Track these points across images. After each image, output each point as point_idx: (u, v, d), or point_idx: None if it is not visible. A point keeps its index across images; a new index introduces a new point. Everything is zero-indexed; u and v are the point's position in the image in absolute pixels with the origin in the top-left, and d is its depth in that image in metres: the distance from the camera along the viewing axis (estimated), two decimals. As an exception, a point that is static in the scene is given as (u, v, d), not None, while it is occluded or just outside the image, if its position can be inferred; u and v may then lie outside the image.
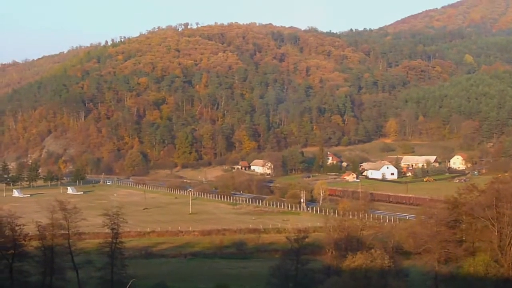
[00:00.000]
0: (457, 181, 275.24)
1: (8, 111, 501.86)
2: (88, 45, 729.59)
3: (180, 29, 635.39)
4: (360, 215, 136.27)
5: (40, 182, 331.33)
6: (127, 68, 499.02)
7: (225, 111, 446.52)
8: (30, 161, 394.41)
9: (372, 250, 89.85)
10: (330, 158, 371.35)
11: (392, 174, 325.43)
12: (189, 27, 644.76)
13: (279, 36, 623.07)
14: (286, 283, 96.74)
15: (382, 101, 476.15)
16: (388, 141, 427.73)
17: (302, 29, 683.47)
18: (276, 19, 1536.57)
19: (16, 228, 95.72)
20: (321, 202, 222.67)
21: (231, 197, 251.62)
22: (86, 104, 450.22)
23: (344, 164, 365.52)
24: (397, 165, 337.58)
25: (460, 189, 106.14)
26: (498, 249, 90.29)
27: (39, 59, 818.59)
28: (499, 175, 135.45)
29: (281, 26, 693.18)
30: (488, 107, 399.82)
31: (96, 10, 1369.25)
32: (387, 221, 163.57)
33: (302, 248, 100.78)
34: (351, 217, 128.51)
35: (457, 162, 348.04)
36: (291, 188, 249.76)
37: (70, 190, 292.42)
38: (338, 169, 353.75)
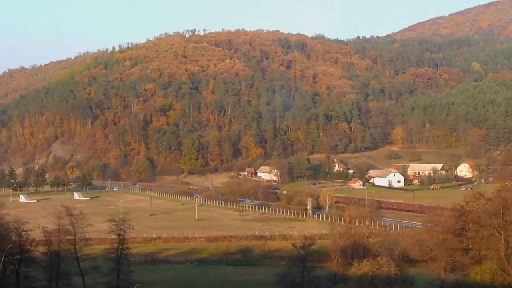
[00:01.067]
0: (464, 189, 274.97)
1: (16, 116, 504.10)
2: (96, 51, 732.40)
3: (187, 36, 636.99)
4: (367, 223, 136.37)
5: (46, 188, 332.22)
6: (134, 74, 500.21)
7: (232, 118, 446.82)
8: (37, 166, 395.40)
9: (378, 258, 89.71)
10: (337, 165, 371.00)
11: (399, 181, 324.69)
12: (196, 33, 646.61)
13: (286, 43, 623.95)
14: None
15: (389, 109, 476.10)
16: (394, 148, 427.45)
17: (309, 36, 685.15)
18: (283, 26, 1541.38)
19: (23, 233, 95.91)
20: (327, 209, 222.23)
21: (238, 204, 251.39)
22: (93, 110, 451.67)
23: (351, 171, 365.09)
24: (403, 172, 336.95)
25: (466, 197, 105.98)
26: (505, 257, 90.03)
27: (46, 65, 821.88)
28: (506, 183, 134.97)
29: (288, 33, 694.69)
30: (495, 115, 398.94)
31: (103, 16, 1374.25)
32: (393, 228, 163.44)
33: (308, 255, 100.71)
34: (357, 224, 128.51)
35: (464, 170, 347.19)
36: (297, 195, 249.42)
37: (76, 196, 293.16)
38: (345, 177, 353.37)
